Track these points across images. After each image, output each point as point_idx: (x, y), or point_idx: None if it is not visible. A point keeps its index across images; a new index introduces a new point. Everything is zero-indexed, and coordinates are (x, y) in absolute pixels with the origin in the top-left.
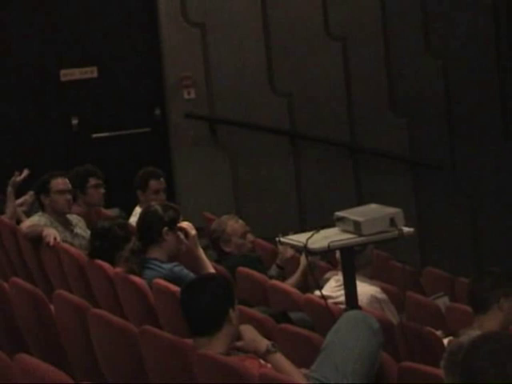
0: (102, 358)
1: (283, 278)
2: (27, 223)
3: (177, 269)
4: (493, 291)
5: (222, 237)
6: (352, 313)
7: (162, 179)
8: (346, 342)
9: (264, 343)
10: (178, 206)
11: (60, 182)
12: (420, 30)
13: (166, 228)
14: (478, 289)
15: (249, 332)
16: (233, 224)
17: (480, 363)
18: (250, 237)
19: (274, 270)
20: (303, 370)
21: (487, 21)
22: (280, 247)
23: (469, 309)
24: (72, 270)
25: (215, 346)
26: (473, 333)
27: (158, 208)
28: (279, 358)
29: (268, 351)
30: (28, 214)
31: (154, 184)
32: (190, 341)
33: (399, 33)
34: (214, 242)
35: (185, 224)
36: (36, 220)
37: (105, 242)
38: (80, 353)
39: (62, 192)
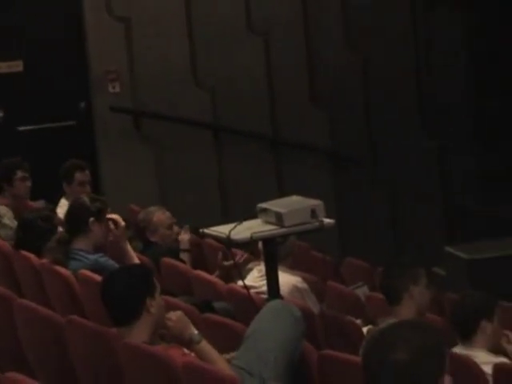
0: (27, 347)
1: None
2: None
3: (102, 259)
4: (401, 281)
5: (148, 227)
6: (275, 302)
7: (86, 171)
8: (268, 331)
9: (188, 332)
10: (105, 198)
11: None
12: (340, 23)
13: (92, 218)
14: (388, 280)
15: (176, 320)
16: (160, 215)
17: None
18: (175, 228)
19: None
20: (232, 354)
21: (405, 14)
22: (181, 233)
23: (384, 298)
24: None
25: (136, 336)
26: (391, 321)
27: (86, 199)
28: (203, 346)
29: (191, 340)
30: None
31: (79, 176)
32: (114, 330)
33: (320, 26)
34: (140, 231)
35: (114, 216)
36: None
37: (29, 233)
38: (6, 342)
39: None
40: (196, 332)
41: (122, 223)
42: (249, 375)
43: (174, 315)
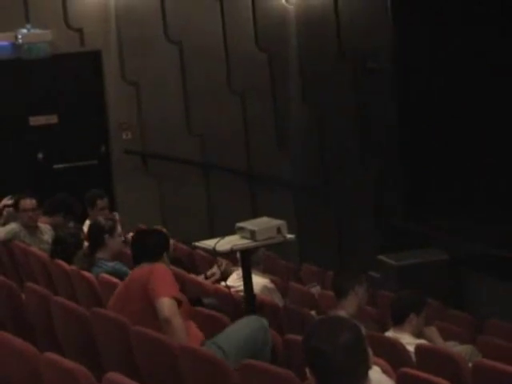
0: (61, 334)
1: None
2: (3, 229)
3: (118, 266)
4: (349, 281)
5: None
6: (252, 316)
7: (105, 199)
8: (240, 325)
9: None
10: (116, 218)
11: (27, 203)
12: (300, 87)
13: (107, 235)
14: (339, 280)
15: None
16: None
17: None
18: (171, 241)
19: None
20: None
21: (348, 79)
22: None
23: (334, 295)
24: (38, 267)
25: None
26: (338, 312)
27: (101, 220)
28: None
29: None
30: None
31: (100, 203)
32: (127, 320)
33: (283, 87)
34: None
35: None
36: (11, 227)
37: (62, 247)
38: (44, 331)
39: (25, 210)
40: None
41: None
42: (216, 347)
43: None
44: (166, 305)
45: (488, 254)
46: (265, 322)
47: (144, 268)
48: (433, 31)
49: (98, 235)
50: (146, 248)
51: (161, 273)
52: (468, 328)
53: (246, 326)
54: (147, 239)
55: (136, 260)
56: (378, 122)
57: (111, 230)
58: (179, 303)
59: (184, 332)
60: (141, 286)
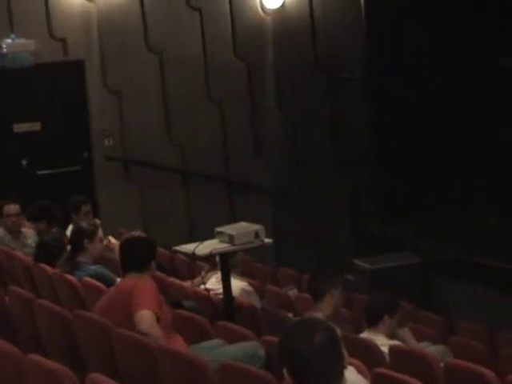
0: (44, 336)
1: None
2: None
3: (100, 270)
4: (325, 284)
5: None
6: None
7: (89, 204)
8: (234, 347)
9: None
10: (97, 223)
11: (11, 208)
12: (276, 99)
13: (86, 240)
14: (315, 283)
15: None
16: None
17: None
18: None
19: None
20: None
21: (322, 93)
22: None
23: (310, 297)
24: (22, 270)
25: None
26: (314, 314)
27: (83, 225)
28: None
29: None
30: None
31: (84, 208)
32: (110, 322)
33: (260, 96)
34: None
35: (113, 239)
36: None
37: (45, 251)
38: (28, 333)
39: (9, 215)
40: None
41: (117, 242)
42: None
43: None
44: (144, 317)
45: (458, 258)
46: (261, 352)
47: (131, 279)
48: (405, 42)
49: (78, 240)
50: (135, 257)
51: (145, 288)
52: (440, 329)
53: (240, 349)
54: (135, 248)
55: (125, 269)
56: (352, 130)
57: (91, 235)
58: (158, 319)
59: (163, 342)
60: (124, 298)
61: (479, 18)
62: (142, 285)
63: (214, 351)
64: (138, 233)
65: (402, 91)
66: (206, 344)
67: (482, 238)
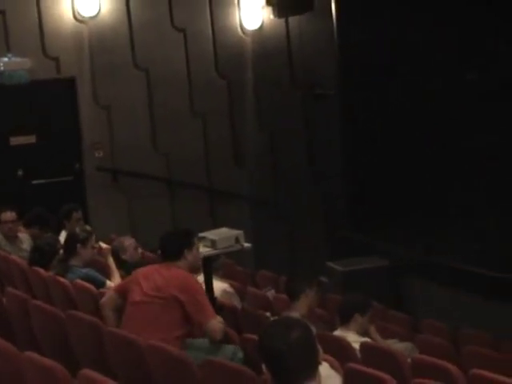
0: (39, 335)
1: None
2: None
3: (90, 273)
4: (301, 285)
5: (121, 249)
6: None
7: (80, 211)
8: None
9: None
10: (90, 230)
11: (8, 215)
12: (255, 112)
13: (79, 244)
14: (292, 285)
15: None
16: (129, 240)
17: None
18: (139, 250)
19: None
20: None
21: (298, 108)
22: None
23: (287, 298)
24: (17, 273)
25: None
26: (291, 314)
27: (76, 231)
28: None
29: None
30: None
31: (75, 215)
32: (100, 321)
33: (240, 113)
34: (114, 251)
35: (103, 244)
36: None
37: (39, 255)
38: (24, 332)
39: (6, 222)
40: None
41: (105, 247)
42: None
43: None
44: (216, 327)
45: (424, 260)
46: (240, 354)
47: (178, 270)
48: (375, 60)
49: (71, 244)
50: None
51: (200, 290)
52: (406, 327)
53: (220, 352)
54: (170, 239)
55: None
56: (326, 142)
57: (84, 241)
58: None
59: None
60: (179, 287)
61: (446, 35)
62: (194, 283)
63: (198, 355)
64: (127, 238)
65: (372, 106)
66: (197, 343)
67: (446, 241)
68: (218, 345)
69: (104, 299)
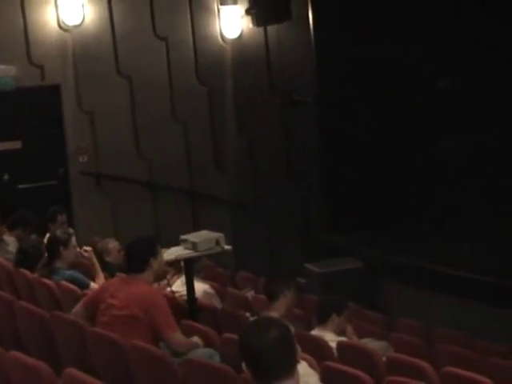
0: (24, 335)
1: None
2: None
3: (75, 274)
4: (279, 286)
5: (105, 251)
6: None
7: (64, 215)
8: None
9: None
10: (71, 232)
11: None
12: (234, 117)
13: (61, 247)
14: (270, 285)
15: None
16: (113, 243)
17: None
18: (122, 252)
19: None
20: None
21: (276, 113)
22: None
23: (266, 298)
24: (3, 274)
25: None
26: (270, 314)
27: (58, 233)
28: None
29: None
30: None
31: (60, 218)
32: (84, 323)
33: (220, 118)
34: (98, 254)
35: (87, 247)
36: None
37: (24, 256)
38: (9, 332)
39: None
40: None
41: (90, 249)
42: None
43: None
44: (178, 340)
45: (398, 262)
46: (216, 358)
47: (139, 285)
48: (350, 68)
49: (54, 247)
50: (134, 259)
51: (163, 304)
52: (381, 326)
53: (198, 355)
54: (134, 249)
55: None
56: (303, 147)
57: (66, 242)
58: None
59: (189, 344)
60: (139, 304)
61: (419, 44)
62: (154, 298)
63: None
64: (111, 241)
65: (347, 112)
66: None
67: (419, 242)
68: (194, 350)
69: (73, 310)
